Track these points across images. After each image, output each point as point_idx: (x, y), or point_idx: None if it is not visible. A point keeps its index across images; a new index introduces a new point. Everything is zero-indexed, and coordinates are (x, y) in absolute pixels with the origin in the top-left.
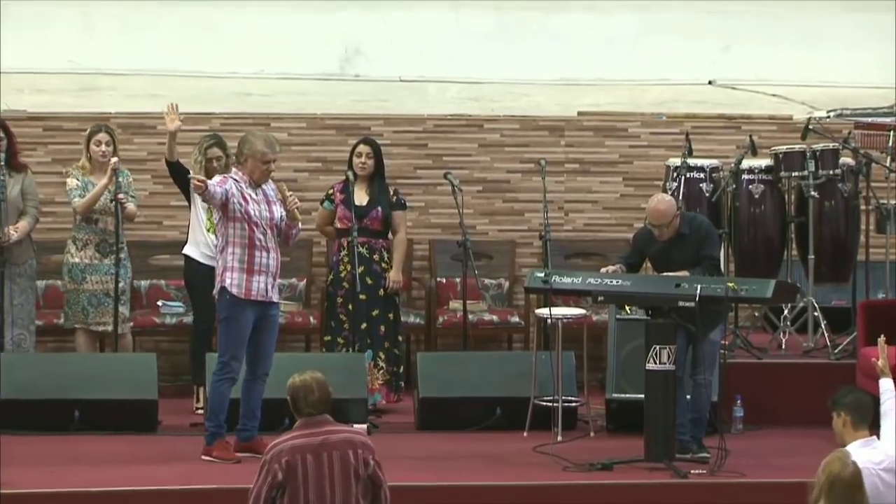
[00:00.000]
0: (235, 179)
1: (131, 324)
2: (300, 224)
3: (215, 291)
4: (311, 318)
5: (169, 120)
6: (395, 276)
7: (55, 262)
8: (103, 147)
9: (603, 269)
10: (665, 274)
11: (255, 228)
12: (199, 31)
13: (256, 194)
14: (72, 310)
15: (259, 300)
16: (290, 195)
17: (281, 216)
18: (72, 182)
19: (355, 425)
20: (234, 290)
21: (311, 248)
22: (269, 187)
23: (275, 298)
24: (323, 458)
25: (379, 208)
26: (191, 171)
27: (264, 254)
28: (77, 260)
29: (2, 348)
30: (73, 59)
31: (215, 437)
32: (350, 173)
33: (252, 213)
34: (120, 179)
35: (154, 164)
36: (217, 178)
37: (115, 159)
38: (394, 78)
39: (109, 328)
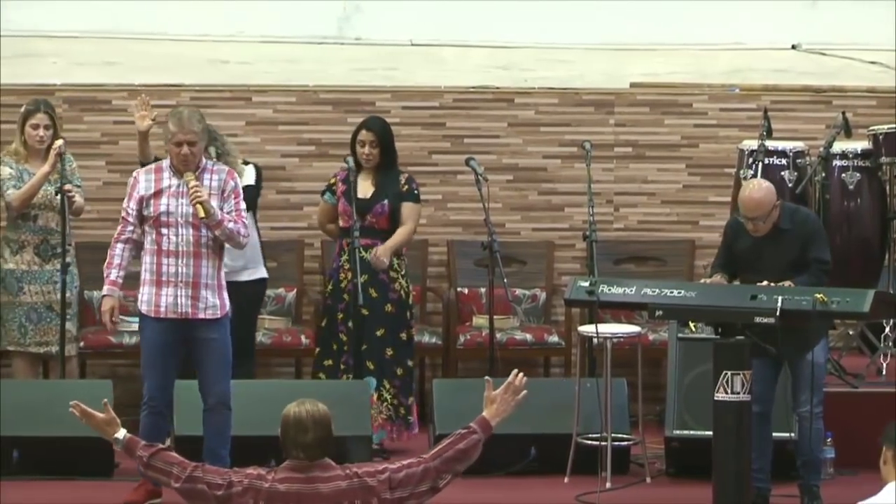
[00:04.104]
0: (160, 168)
1: (80, 344)
2: (229, 223)
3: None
4: (303, 338)
5: (139, 118)
6: (381, 252)
7: None
8: (41, 131)
9: (703, 281)
10: (763, 284)
11: (164, 229)
12: None
13: (180, 186)
14: (6, 328)
15: (171, 318)
16: (193, 185)
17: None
18: (3, 171)
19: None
20: (143, 308)
21: (303, 251)
22: (216, 177)
23: (201, 315)
24: None
25: (385, 201)
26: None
27: (173, 260)
28: (12, 266)
29: None
30: (8, 19)
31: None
32: (350, 159)
33: (162, 209)
34: (66, 166)
35: (109, 148)
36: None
37: (59, 142)
38: (403, 41)
39: (53, 349)
